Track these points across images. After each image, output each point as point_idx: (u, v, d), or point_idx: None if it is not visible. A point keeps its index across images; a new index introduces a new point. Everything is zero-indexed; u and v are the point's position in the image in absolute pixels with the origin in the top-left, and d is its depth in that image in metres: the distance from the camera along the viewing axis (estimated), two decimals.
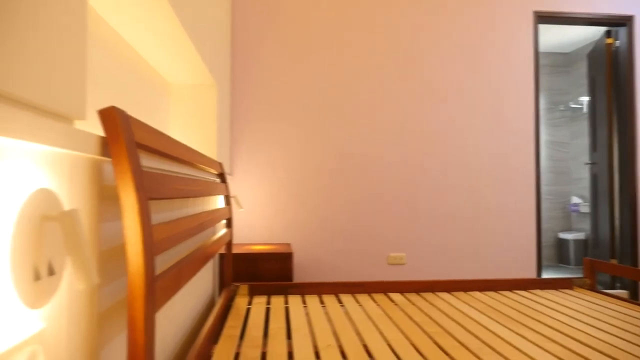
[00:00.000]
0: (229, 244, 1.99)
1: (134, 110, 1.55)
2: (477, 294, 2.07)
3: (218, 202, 1.99)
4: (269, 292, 2.06)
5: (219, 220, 1.56)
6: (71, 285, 0.61)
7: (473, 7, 3.10)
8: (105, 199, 0.74)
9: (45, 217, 0.51)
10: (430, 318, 1.67)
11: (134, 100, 1.55)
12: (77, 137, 0.59)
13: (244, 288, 2.06)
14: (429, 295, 2.03)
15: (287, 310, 1.84)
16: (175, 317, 1.30)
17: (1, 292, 0.45)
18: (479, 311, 1.76)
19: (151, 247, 0.70)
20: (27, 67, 0.50)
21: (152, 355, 0.70)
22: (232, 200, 2.88)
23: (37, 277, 0.49)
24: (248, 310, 1.82)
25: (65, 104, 0.60)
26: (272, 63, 2.97)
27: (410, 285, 2.11)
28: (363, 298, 1.99)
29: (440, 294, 2.07)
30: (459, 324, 1.60)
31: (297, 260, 2.94)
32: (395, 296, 2.02)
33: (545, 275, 4.28)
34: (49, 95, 0.55)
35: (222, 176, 1.96)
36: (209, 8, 1.95)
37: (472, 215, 3.06)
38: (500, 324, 1.59)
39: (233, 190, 2.93)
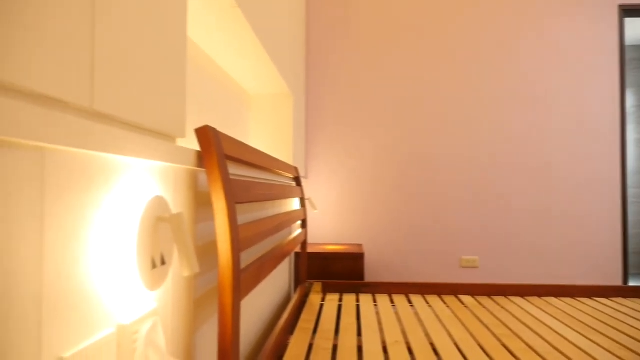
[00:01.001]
0: (304, 244, 2.11)
1: (221, 120, 1.72)
2: (552, 299, 2.03)
3: (294, 204, 2.13)
4: (341, 290, 2.16)
5: (295, 221, 1.68)
6: (177, 273, 0.74)
7: (554, 4, 2.99)
8: (199, 203, 0.88)
9: (159, 219, 0.64)
10: (500, 321, 1.68)
11: (220, 111, 1.72)
12: (180, 153, 0.72)
13: (317, 285, 2.18)
14: (500, 299, 2.03)
15: (358, 307, 1.93)
16: (257, 308, 1.44)
17: (130, 276, 0.58)
18: (551, 316, 1.74)
19: (238, 244, 0.82)
20: (147, 101, 0.64)
21: (237, 338, 0.82)
22: (307, 202, 3.02)
23: (153, 265, 0.63)
24: (321, 306, 1.93)
25: (171, 126, 0.74)
26: (345, 69, 3.08)
27: (482, 288, 2.11)
28: (433, 299, 2.03)
29: (512, 298, 2.05)
30: (529, 327, 1.59)
31: (368, 260, 3.02)
32: (466, 298, 2.04)
33: (634, 284, 3.99)
34: (160, 120, 0.69)
35: (297, 180, 2.09)
36: (285, 22, 2.09)
37: (550, 218, 2.96)
38: (573, 329, 1.57)
39: (307, 193, 3.07)
